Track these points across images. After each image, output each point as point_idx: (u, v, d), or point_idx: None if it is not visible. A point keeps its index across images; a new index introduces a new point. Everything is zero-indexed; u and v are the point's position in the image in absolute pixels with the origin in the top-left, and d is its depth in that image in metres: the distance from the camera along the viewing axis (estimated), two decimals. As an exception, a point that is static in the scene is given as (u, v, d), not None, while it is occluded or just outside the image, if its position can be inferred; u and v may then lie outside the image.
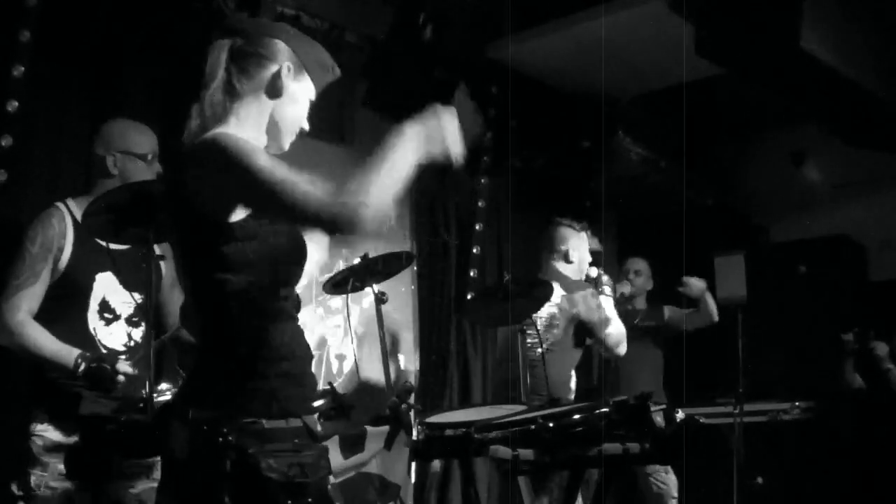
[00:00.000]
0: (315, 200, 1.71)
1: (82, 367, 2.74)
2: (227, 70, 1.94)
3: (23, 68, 3.44)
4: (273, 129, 1.99)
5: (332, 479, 2.97)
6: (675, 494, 4.82)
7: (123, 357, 2.90)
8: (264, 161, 1.77)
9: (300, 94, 2.00)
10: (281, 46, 1.97)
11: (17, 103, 3.42)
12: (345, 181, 1.72)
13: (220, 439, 1.77)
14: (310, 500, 1.83)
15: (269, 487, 1.78)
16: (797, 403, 5.44)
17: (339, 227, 1.74)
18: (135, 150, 2.99)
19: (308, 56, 2.00)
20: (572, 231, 4.42)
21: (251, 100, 1.95)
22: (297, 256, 1.97)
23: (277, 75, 1.95)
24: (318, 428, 2.00)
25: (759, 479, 4.96)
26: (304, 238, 1.99)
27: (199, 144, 1.86)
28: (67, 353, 2.77)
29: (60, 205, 2.97)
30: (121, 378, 2.72)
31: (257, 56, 1.95)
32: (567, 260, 4.37)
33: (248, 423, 1.80)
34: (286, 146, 2.03)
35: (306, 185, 1.72)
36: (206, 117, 1.91)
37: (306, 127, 2.05)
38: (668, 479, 4.84)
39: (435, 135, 1.83)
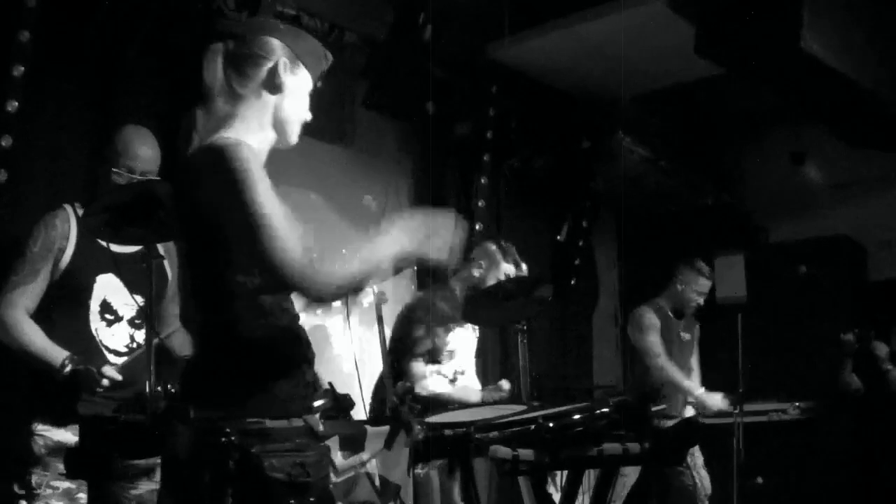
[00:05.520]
0: (288, 260, 1.75)
1: (68, 367, 2.74)
2: (225, 74, 1.96)
3: (23, 68, 3.43)
4: (278, 124, 2.00)
5: (333, 478, 2.97)
6: (710, 491, 4.74)
7: (118, 360, 2.89)
8: (262, 194, 1.77)
9: (298, 86, 2.02)
10: (274, 43, 1.99)
11: (17, 103, 3.42)
12: (323, 252, 1.77)
13: (223, 439, 1.77)
14: (312, 499, 1.83)
15: (272, 487, 1.78)
16: (797, 403, 5.44)
17: (296, 289, 1.83)
18: (143, 167, 2.98)
19: (301, 48, 2.02)
20: None
21: (252, 100, 1.97)
22: None
23: (275, 72, 1.97)
24: (321, 427, 2.00)
25: (759, 479, 4.96)
26: None
27: (205, 148, 1.87)
28: (56, 353, 2.77)
29: (67, 206, 2.99)
30: (105, 382, 2.72)
31: (252, 56, 1.97)
32: None
33: (250, 422, 1.80)
34: (293, 140, 2.05)
35: (286, 240, 1.75)
36: (211, 123, 1.93)
37: (309, 117, 2.06)
38: (705, 475, 4.74)
39: (424, 235, 1.89)
